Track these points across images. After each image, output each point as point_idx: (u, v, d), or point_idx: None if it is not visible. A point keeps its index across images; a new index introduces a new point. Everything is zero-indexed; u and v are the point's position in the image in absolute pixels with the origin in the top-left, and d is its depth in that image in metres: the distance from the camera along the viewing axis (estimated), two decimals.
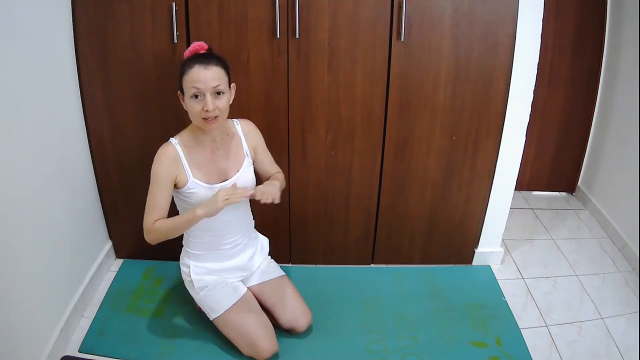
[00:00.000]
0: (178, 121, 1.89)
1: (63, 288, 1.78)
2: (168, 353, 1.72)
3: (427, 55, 1.80)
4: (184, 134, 1.57)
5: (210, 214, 1.46)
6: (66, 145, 1.79)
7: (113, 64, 1.79)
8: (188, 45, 1.75)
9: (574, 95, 2.75)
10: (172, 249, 2.01)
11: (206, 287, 1.69)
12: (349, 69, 1.81)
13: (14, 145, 1.44)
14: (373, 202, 2.10)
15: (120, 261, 2.21)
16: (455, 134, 1.95)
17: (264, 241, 1.88)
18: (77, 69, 1.80)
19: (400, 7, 1.69)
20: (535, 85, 1.89)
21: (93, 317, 1.87)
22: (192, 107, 1.45)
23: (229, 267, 1.73)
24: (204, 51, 1.49)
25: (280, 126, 1.90)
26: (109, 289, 2.03)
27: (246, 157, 1.66)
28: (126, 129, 1.92)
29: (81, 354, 1.71)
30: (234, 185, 1.51)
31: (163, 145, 1.53)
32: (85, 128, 1.91)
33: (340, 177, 2.03)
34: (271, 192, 1.53)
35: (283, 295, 1.78)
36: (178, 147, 1.52)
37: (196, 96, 1.43)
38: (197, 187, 1.54)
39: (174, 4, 1.67)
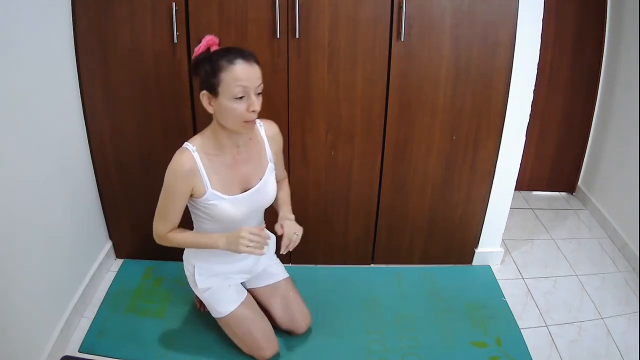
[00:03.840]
0: (178, 121, 1.89)
1: (63, 288, 1.78)
2: (168, 353, 1.72)
3: (427, 55, 1.80)
4: (203, 138, 1.41)
5: (232, 251, 1.41)
6: (66, 145, 1.79)
7: (113, 64, 1.79)
8: (188, 45, 1.75)
9: (574, 95, 2.75)
10: (172, 249, 2.01)
11: (210, 288, 1.65)
12: (349, 69, 1.81)
13: (14, 145, 1.44)
14: (373, 202, 2.10)
15: (120, 261, 2.21)
16: (455, 134, 1.95)
17: (270, 241, 1.83)
18: (77, 69, 1.80)
19: (400, 7, 1.69)
20: (535, 85, 1.89)
21: (93, 317, 1.87)
22: (232, 108, 1.28)
23: (236, 270, 1.69)
24: (217, 47, 1.36)
25: (280, 126, 1.89)
26: (109, 289, 2.03)
27: (269, 163, 1.55)
28: (126, 129, 1.92)
29: (81, 354, 1.71)
30: (261, 230, 1.41)
31: (179, 153, 1.37)
32: (85, 128, 1.91)
33: (340, 177, 2.03)
34: (297, 241, 1.53)
35: (285, 298, 1.76)
36: (196, 155, 1.37)
37: (239, 97, 1.28)
38: (216, 199, 1.42)
39: (174, 4, 1.67)
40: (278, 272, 1.81)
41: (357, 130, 1.93)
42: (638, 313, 2.01)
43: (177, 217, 1.46)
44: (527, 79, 1.88)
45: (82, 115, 1.89)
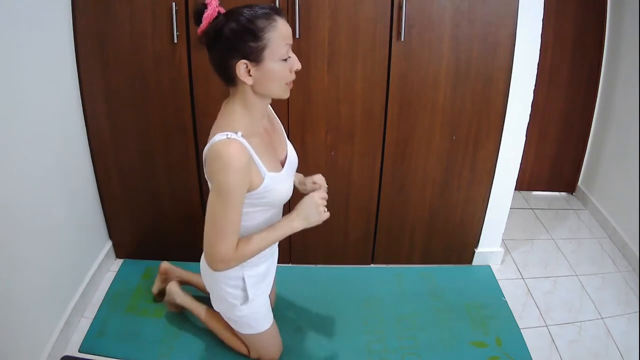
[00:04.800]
0: (178, 121, 1.89)
1: (63, 288, 1.78)
2: (168, 353, 1.72)
3: (427, 56, 1.80)
4: (241, 121, 1.19)
5: (312, 225, 1.28)
6: (66, 145, 1.79)
7: (113, 64, 1.79)
8: (188, 45, 1.75)
9: (574, 95, 2.75)
10: (172, 248, 2.02)
11: (252, 301, 1.47)
12: (349, 69, 1.81)
13: (14, 145, 1.44)
14: (373, 202, 2.10)
15: (120, 261, 2.21)
16: (455, 134, 1.95)
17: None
18: (77, 69, 1.80)
19: (400, 7, 1.69)
20: (535, 85, 1.89)
21: (93, 317, 1.87)
22: (280, 71, 1.13)
23: (272, 263, 1.57)
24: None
25: None
26: (109, 289, 2.03)
27: (282, 128, 1.43)
28: (126, 129, 1.92)
29: (81, 354, 1.71)
30: (322, 183, 1.38)
31: (227, 146, 1.12)
32: (85, 128, 1.91)
33: (340, 177, 2.03)
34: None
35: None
36: (245, 143, 1.15)
37: (286, 58, 1.13)
38: (274, 182, 1.24)
39: (174, 4, 1.67)
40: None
41: (357, 130, 1.93)
42: (638, 313, 2.01)
43: (239, 226, 1.21)
44: (527, 79, 1.88)
45: (82, 116, 1.89)
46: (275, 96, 1.21)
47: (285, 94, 1.21)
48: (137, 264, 2.19)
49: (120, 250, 2.22)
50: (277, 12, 1.11)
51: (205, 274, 1.51)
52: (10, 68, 1.41)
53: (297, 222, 1.29)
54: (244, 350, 1.68)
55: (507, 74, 1.84)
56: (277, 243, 1.49)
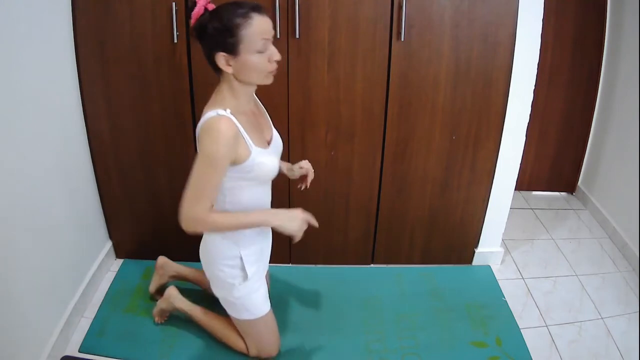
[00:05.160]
0: (178, 121, 1.89)
1: (63, 288, 1.78)
2: (168, 353, 1.72)
3: (427, 56, 1.80)
4: (229, 100, 1.32)
5: (283, 230, 1.36)
6: (66, 145, 1.79)
7: (113, 64, 1.79)
8: (188, 45, 1.75)
9: (574, 95, 2.75)
10: (172, 248, 2.02)
11: (250, 279, 1.54)
12: (349, 69, 1.81)
13: (14, 146, 1.44)
14: (373, 202, 2.10)
15: (120, 261, 2.21)
16: (455, 134, 1.95)
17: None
18: (77, 69, 1.80)
19: (400, 7, 1.69)
20: (535, 85, 1.89)
21: (93, 317, 1.87)
22: (256, 62, 1.26)
23: (267, 245, 1.65)
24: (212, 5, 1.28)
25: (280, 126, 1.89)
26: (109, 289, 2.03)
27: (265, 110, 1.54)
28: (126, 129, 1.92)
29: (81, 354, 1.71)
30: (308, 167, 1.58)
31: (218, 121, 1.25)
32: (85, 128, 1.91)
33: (340, 177, 2.03)
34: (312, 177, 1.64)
35: None
36: (234, 119, 1.28)
37: (262, 50, 1.25)
38: (261, 156, 1.36)
39: (174, 4, 1.67)
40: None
41: (357, 130, 1.93)
42: (638, 313, 2.01)
43: (217, 194, 1.34)
44: (527, 79, 1.88)
45: (82, 116, 1.89)
46: (256, 83, 1.33)
47: (266, 81, 1.33)
48: (137, 264, 2.19)
49: (120, 250, 2.22)
50: (255, 9, 1.23)
51: (204, 257, 1.57)
52: (10, 68, 1.41)
53: (274, 219, 1.38)
54: (242, 347, 1.68)
55: (507, 74, 1.84)
56: (272, 234, 1.65)
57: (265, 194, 1.52)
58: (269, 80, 1.33)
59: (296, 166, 1.64)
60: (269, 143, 1.44)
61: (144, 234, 2.17)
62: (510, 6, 1.73)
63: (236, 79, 1.31)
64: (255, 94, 1.46)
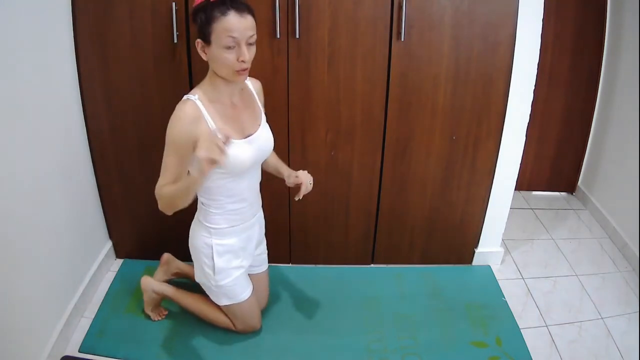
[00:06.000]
0: None
1: (63, 288, 1.78)
2: (168, 353, 1.72)
3: (427, 55, 1.80)
4: (204, 87, 1.42)
5: (201, 174, 1.29)
6: (66, 145, 1.79)
7: (113, 64, 1.79)
8: (188, 45, 1.75)
9: (574, 95, 2.75)
10: (172, 248, 2.02)
11: (226, 271, 1.62)
12: (349, 69, 1.81)
13: (14, 146, 1.44)
14: (373, 202, 2.10)
15: (120, 261, 2.21)
16: (455, 134, 1.95)
17: (261, 222, 1.81)
18: (77, 69, 1.80)
19: (400, 7, 1.69)
20: (535, 85, 1.89)
21: (93, 317, 1.87)
22: (224, 57, 1.32)
23: (246, 242, 1.66)
24: None
25: (280, 126, 1.90)
26: (109, 289, 2.03)
27: (262, 114, 1.58)
28: (126, 129, 1.92)
29: (81, 354, 1.71)
30: (304, 179, 1.55)
31: (181, 103, 1.36)
32: (85, 128, 1.91)
33: (340, 177, 2.03)
34: (310, 188, 1.60)
35: (258, 287, 1.82)
36: (199, 103, 1.37)
37: (230, 46, 1.31)
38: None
39: (174, 4, 1.67)
40: (264, 261, 1.87)
41: (357, 130, 1.93)
42: (638, 313, 2.01)
43: (177, 172, 1.38)
44: (527, 79, 1.88)
45: (82, 115, 1.89)
46: (225, 77, 1.38)
47: (233, 78, 1.37)
48: (137, 264, 2.19)
49: (120, 250, 2.22)
50: (237, 7, 1.29)
51: (190, 244, 1.66)
52: (10, 68, 1.41)
53: (192, 171, 1.39)
54: (229, 324, 1.76)
55: (507, 74, 1.84)
56: (263, 227, 1.78)
57: (243, 188, 1.54)
58: (237, 79, 1.38)
59: (293, 174, 1.62)
60: (247, 137, 1.47)
61: (144, 234, 2.17)
62: (510, 6, 1.73)
63: (212, 68, 1.39)
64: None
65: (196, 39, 1.35)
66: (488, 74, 1.84)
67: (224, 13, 1.28)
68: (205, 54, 1.35)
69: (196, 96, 1.37)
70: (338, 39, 1.76)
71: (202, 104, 1.37)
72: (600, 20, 2.57)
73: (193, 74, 1.80)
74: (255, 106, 1.56)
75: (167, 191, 1.39)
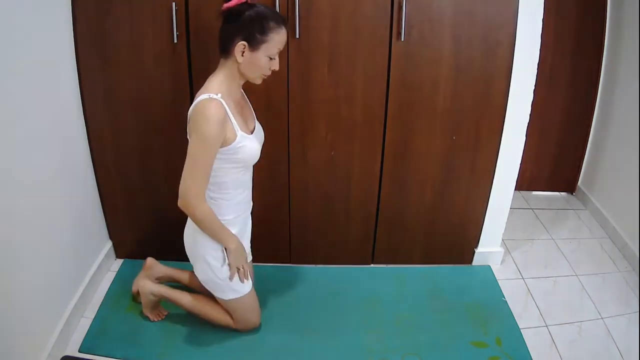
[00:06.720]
0: (178, 121, 1.89)
1: (63, 288, 1.78)
2: (168, 353, 1.72)
3: (427, 55, 1.80)
4: (222, 85, 1.44)
5: (231, 258, 1.59)
6: (66, 145, 1.79)
7: (113, 64, 1.79)
8: (188, 45, 1.75)
9: (574, 95, 2.75)
10: (172, 248, 2.01)
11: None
12: (349, 69, 1.81)
13: (14, 146, 1.44)
14: (373, 202, 2.10)
15: (120, 261, 2.21)
16: (455, 134, 1.95)
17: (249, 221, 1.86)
18: (77, 69, 1.80)
19: (400, 7, 1.69)
20: (535, 85, 1.89)
21: (93, 317, 1.87)
22: (263, 64, 1.42)
23: (247, 231, 1.76)
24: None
25: (280, 126, 1.90)
26: (109, 289, 2.03)
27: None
28: (126, 129, 1.92)
29: (81, 354, 1.71)
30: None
31: (209, 102, 1.37)
32: (85, 128, 1.91)
33: (340, 177, 2.03)
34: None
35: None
36: (224, 103, 1.40)
37: (273, 57, 1.43)
38: (245, 140, 1.48)
39: (174, 4, 1.67)
40: (250, 251, 1.85)
41: (357, 130, 1.93)
42: (638, 313, 2.01)
43: (210, 172, 1.46)
44: (527, 79, 1.88)
45: (82, 116, 1.89)
46: (250, 79, 1.48)
47: (257, 81, 1.49)
48: (137, 264, 2.17)
49: (120, 250, 2.22)
50: (285, 22, 1.42)
51: (188, 241, 1.66)
52: (10, 68, 1.41)
53: (233, 246, 1.58)
54: (229, 321, 1.76)
55: (507, 74, 1.84)
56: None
57: (247, 179, 1.64)
58: (259, 81, 1.49)
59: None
60: (252, 132, 1.56)
61: (144, 234, 2.17)
62: (510, 6, 1.73)
63: (239, 69, 1.44)
64: (256, 93, 1.54)
65: (235, 39, 1.37)
66: (488, 74, 1.84)
67: (280, 26, 1.39)
68: (244, 56, 1.40)
69: (219, 95, 1.40)
70: (338, 39, 1.76)
71: (225, 103, 1.42)
72: (600, 20, 2.57)
73: (193, 74, 1.80)
74: (246, 100, 1.65)
75: (209, 218, 1.50)
